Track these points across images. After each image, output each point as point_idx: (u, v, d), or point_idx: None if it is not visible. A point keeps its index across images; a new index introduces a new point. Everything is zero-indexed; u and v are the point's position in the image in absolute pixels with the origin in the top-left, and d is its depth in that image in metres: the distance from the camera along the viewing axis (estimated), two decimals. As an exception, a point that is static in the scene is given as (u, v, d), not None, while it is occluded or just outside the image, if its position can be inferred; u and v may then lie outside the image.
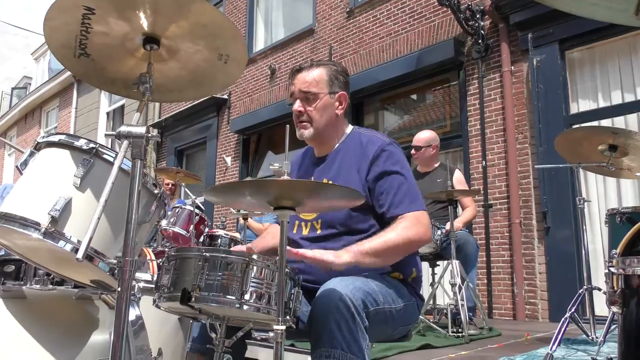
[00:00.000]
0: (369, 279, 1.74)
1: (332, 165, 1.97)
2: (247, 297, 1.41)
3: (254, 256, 1.47)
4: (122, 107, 13.37)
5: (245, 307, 1.41)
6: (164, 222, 4.63)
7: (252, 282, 1.43)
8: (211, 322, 1.56)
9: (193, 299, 1.40)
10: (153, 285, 1.72)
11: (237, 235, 5.20)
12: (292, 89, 1.99)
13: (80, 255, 1.17)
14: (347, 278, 1.67)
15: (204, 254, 1.44)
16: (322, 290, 1.61)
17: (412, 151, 4.50)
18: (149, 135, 1.32)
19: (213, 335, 1.55)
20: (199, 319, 1.63)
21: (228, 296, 1.41)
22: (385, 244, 1.72)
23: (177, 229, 4.79)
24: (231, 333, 1.57)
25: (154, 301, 1.53)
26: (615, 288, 1.18)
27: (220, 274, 1.43)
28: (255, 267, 1.45)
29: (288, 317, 1.46)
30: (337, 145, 2.00)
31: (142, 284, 1.92)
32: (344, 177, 1.90)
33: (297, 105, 1.93)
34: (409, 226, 1.76)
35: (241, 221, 5.27)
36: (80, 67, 1.55)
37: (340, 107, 1.98)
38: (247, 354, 2.02)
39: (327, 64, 2.00)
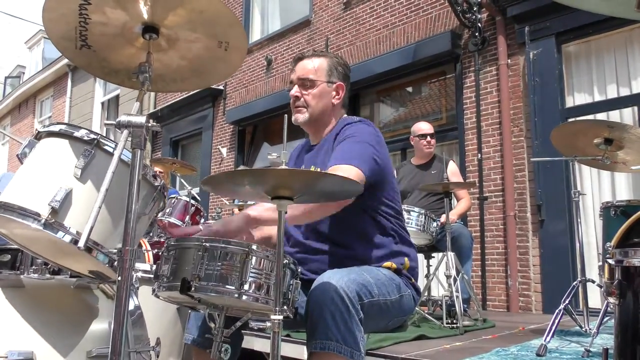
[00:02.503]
0: (364, 271, 1.75)
1: (319, 153, 2.00)
2: (246, 287, 1.42)
3: (254, 247, 1.47)
4: (117, 97, 13.30)
5: (244, 297, 1.42)
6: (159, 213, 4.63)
7: (252, 272, 1.44)
8: (210, 312, 1.57)
9: (192, 288, 1.41)
10: (152, 275, 1.72)
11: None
12: (291, 77, 2.04)
13: (81, 243, 1.17)
14: (342, 270, 1.68)
15: (203, 243, 1.45)
16: (317, 282, 1.62)
17: (428, 139, 4.46)
18: (149, 125, 1.32)
19: (212, 325, 1.56)
20: (198, 308, 1.64)
21: (227, 286, 1.42)
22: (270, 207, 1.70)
23: (172, 220, 4.78)
24: (230, 323, 1.58)
25: (153, 290, 1.53)
26: (613, 279, 1.20)
27: (219, 264, 1.43)
28: (254, 258, 1.46)
29: (286, 307, 1.47)
30: (328, 133, 2.04)
31: (140, 274, 1.92)
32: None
33: (294, 91, 1.99)
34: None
35: (236, 212, 5.27)
36: (83, 59, 1.55)
37: (337, 96, 2.02)
38: (243, 344, 2.03)
39: (328, 55, 2.05)
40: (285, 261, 1.48)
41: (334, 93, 2.01)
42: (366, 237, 1.88)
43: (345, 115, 2.10)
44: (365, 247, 1.87)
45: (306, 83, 1.97)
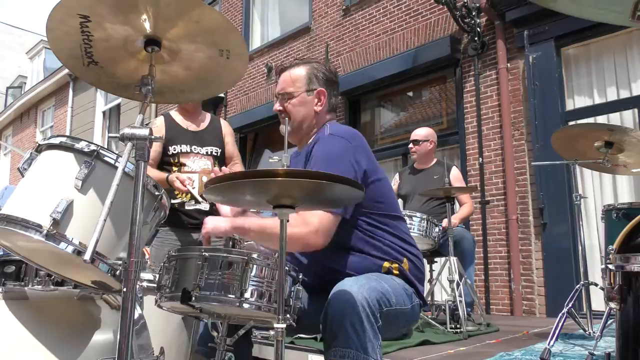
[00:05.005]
0: (381, 279, 1.74)
1: (301, 162, 1.98)
2: (247, 295, 1.43)
3: (254, 255, 1.48)
4: (119, 106, 13.34)
5: (245, 305, 1.43)
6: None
7: (252, 280, 1.45)
8: (213, 321, 1.57)
9: (193, 298, 1.42)
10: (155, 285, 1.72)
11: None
12: (275, 90, 2.06)
13: (87, 257, 1.18)
14: (361, 277, 1.68)
15: (203, 253, 1.46)
16: (337, 290, 1.61)
17: (410, 145, 4.51)
18: (152, 137, 1.33)
19: (215, 333, 1.56)
20: (201, 318, 1.65)
21: (228, 295, 1.43)
22: (262, 228, 1.75)
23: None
24: (233, 331, 1.58)
25: (156, 301, 1.54)
26: (613, 284, 1.20)
27: (220, 273, 1.44)
28: (255, 266, 1.47)
29: (288, 315, 1.47)
30: (310, 141, 2.01)
31: (145, 284, 1.93)
32: None
33: (277, 105, 2.02)
34: (294, 223, 1.67)
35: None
36: (92, 76, 1.57)
37: (319, 103, 2.00)
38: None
39: (308, 62, 2.04)
40: (286, 268, 1.49)
41: (315, 100, 1.99)
42: (353, 247, 1.85)
43: (334, 120, 2.07)
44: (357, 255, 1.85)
45: (285, 96, 1.99)
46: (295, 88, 1.98)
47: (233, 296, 1.43)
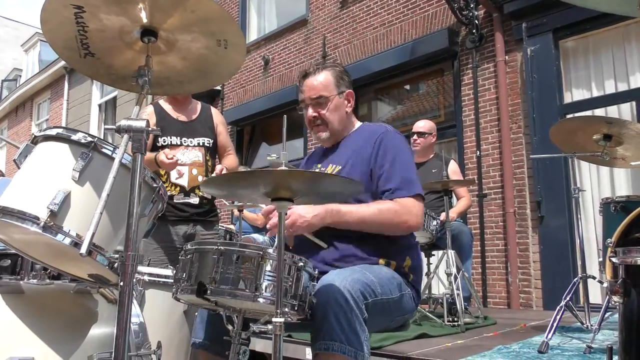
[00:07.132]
0: (366, 270, 1.75)
1: (342, 153, 2.03)
2: (262, 290, 1.44)
3: (269, 250, 1.49)
4: (115, 99, 13.27)
5: (260, 300, 1.44)
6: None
7: (267, 275, 1.46)
8: (228, 314, 1.58)
9: (209, 291, 1.44)
10: (158, 279, 1.72)
11: (232, 227, 5.18)
12: (302, 97, 2.07)
13: (83, 250, 1.17)
14: (345, 270, 1.70)
15: (219, 247, 1.47)
16: (321, 283, 1.63)
17: (414, 137, 4.50)
18: (149, 129, 1.31)
19: (230, 327, 1.57)
20: (217, 310, 1.65)
21: (243, 289, 1.44)
22: (362, 220, 1.81)
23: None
24: (248, 325, 1.59)
25: (173, 294, 1.57)
26: (615, 278, 1.20)
27: (235, 267, 1.45)
28: (270, 261, 1.47)
29: (297, 310, 1.50)
30: (345, 136, 2.09)
31: (146, 278, 1.92)
32: (352, 163, 1.95)
33: (311, 112, 2.03)
34: (393, 211, 1.83)
35: (236, 213, 5.25)
36: (89, 67, 1.55)
37: (349, 104, 2.07)
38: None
39: (331, 66, 2.08)
40: (301, 264, 1.51)
41: (346, 102, 2.06)
42: (365, 236, 1.88)
43: (360, 122, 2.16)
44: (365, 246, 1.87)
45: (321, 101, 2.01)
46: (328, 92, 2.02)
47: (247, 290, 1.44)
